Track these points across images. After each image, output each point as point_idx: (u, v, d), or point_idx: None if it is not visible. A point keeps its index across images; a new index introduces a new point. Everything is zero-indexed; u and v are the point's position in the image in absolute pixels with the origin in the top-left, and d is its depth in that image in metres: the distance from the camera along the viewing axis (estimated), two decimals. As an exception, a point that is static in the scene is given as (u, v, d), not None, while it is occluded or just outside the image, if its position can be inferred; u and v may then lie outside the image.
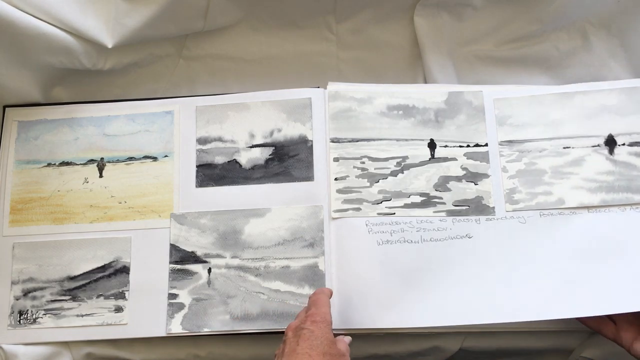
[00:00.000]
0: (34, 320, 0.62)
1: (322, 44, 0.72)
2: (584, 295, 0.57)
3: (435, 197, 0.62)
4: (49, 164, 0.66)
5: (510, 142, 0.64)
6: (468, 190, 0.63)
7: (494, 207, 0.62)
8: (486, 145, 0.64)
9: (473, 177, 0.63)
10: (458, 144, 0.64)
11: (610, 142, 0.62)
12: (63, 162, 0.66)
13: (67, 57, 0.64)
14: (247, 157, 0.65)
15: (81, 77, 0.69)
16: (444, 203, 0.62)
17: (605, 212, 0.60)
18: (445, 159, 0.64)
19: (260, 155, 0.65)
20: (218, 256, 0.62)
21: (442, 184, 0.63)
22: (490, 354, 0.64)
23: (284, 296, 0.61)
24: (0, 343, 0.61)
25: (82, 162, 0.66)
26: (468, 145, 0.64)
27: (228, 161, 0.65)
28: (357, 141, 0.64)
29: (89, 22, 0.63)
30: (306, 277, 0.61)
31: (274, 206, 0.63)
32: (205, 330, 0.60)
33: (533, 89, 0.65)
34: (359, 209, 0.62)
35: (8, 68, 0.63)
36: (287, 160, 0.64)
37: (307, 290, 0.61)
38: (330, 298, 0.54)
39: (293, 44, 0.72)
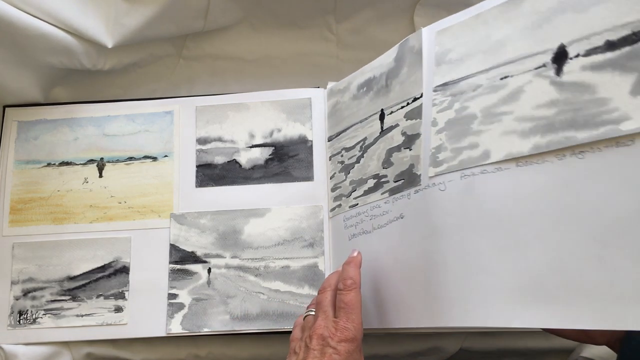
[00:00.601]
0: (34, 320, 0.62)
1: (322, 44, 0.72)
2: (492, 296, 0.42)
3: (382, 176, 0.54)
4: (48, 164, 0.66)
5: (444, 85, 0.49)
6: (405, 160, 0.51)
7: (420, 175, 0.49)
8: (421, 96, 0.51)
9: (409, 142, 0.51)
10: (400, 105, 0.53)
11: (560, 57, 0.43)
12: (63, 162, 0.66)
13: (68, 57, 0.64)
14: (247, 157, 0.65)
15: (81, 77, 0.69)
16: (388, 181, 0.53)
17: (538, 164, 0.42)
18: (391, 128, 0.54)
19: (260, 155, 0.65)
20: (218, 256, 0.62)
21: (387, 159, 0.53)
22: (490, 354, 0.64)
23: (283, 296, 0.61)
24: (0, 343, 0.61)
25: (81, 162, 0.66)
26: (408, 103, 0.52)
27: (228, 161, 0.65)
28: (338, 134, 0.62)
29: (89, 22, 0.63)
30: (306, 277, 0.61)
31: (273, 206, 0.63)
32: (205, 330, 0.60)
33: (476, 7, 0.49)
34: (340, 205, 0.60)
35: (8, 68, 0.63)
36: (286, 160, 0.64)
37: (307, 291, 0.61)
38: (360, 268, 0.50)
39: (293, 44, 0.72)
